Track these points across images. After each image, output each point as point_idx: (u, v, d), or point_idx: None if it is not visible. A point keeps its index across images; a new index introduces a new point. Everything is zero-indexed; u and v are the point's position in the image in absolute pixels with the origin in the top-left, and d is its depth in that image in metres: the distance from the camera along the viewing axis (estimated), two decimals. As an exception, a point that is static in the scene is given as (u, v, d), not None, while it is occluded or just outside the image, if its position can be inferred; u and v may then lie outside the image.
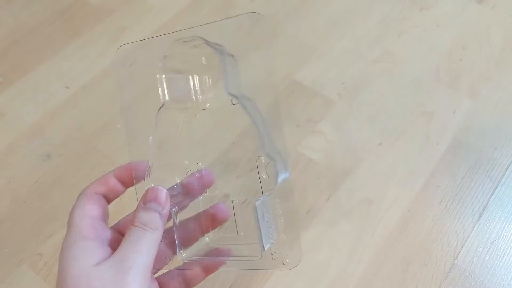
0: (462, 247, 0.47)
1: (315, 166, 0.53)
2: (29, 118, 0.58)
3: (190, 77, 0.33)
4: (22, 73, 0.62)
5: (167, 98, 0.33)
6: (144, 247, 0.28)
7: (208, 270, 0.34)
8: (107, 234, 0.31)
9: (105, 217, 0.32)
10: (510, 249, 0.47)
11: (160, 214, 0.30)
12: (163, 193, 0.31)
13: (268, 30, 0.31)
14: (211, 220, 0.35)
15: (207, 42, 0.31)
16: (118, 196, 0.34)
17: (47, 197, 0.51)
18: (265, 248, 0.31)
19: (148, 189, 0.31)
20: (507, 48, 0.62)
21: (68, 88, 0.60)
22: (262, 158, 0.31)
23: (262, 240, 0.30)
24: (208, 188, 0.35)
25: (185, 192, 0.35)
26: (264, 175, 0.31)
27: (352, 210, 0.50)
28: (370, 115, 0.57)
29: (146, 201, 0.30)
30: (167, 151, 0.34)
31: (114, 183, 0.33)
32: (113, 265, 0.27)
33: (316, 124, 0.56)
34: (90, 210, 0.31)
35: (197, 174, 0.35)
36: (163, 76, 0.33)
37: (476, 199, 0.50)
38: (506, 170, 0.52)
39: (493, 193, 0.51)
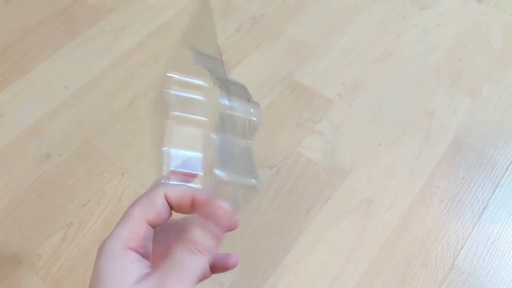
0: (462, 247, 0.47)
1: (315, 166, 0.53)
2: (28, 118, 0.58)
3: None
4: (21, 73, 0.62)
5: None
6: (189, 273, 0.25)
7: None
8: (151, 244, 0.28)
9: (159, 220, 0.28)
10: (510, 249, 0.47)
11: (216, 236, 0.25)
12: (227, 213, 0.26)
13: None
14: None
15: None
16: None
17: (46, 197, 0.51)
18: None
19: (209, 201, 0.26)
20: (507, 48, 0.62)
21: (67, 88, 0.60)
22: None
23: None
24: None
25: None
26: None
27: (352, 210, 0.50)
28: (370, 115, 0.57)
29: (205, 216, 0.26)
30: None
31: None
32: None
33: (316, 124, 0.56)
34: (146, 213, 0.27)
35: None
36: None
37: (476, 200, 0.50)
38: (506, 170, 0.52)
39: (493, 194, 0.50)
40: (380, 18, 0.66)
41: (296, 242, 0.48)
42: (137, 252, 0.26)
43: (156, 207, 0.27)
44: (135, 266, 0.25)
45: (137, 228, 0.27)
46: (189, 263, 0.25)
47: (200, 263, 0.25)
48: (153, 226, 0.28)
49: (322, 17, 0.67)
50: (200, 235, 0.25)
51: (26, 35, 0.66)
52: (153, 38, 0.65)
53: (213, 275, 0.35)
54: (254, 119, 0.30)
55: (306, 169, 0.52)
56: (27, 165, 0.54)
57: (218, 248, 0.26)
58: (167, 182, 0.29)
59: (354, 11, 0.67)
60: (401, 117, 0.56)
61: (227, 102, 0.29)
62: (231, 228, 0.26)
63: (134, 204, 0.27)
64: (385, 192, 0.51)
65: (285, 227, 0.49)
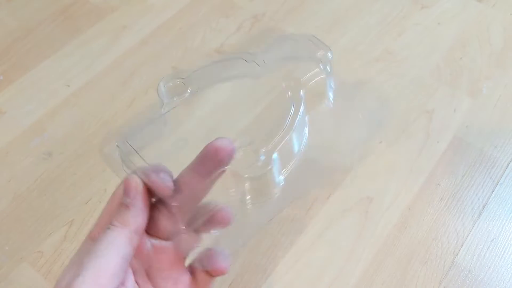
0: (462, 245, 0.47)
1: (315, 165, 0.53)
2: (30, 116, 0.58)
3: None
4: (23, 72, 0.62)
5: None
6: (111, 247, 0.26)
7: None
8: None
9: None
10: (510, 247, 0.47)
11: (128, 206, 0.27)
12: (132, 181, 0.28)
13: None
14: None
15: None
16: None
17: (48, 195, 0.51)
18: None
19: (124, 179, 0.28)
20: (507, 47, 0.63)
21: (68, 86, 0.60)
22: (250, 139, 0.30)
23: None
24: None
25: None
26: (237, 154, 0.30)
27: (352, 208, 0.50)
28: (370, 113, 0.57)
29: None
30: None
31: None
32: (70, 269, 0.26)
33: (317, 123, 0.56)
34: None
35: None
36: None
37: (476, 197, 0.50)
38: (506, 168, 0.52)
39: (493, 192, 0.51)
40: (380, 17, 0.66)
41: (297, 240, 0.48)
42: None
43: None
44: None
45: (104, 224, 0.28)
46: (109, 239, 0.26)
47: (120, 235, 0.26)
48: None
49: (322, 17, 0.67)
50: (116, 211, 0.27)
51: (28, 34, 0.66)
52: (154, 37, 0.65)
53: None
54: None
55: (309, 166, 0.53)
56: (29, 163, 0.54)
57: (138, 217, 0.27)
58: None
59: (355, 10, 0.67)
60: (401, 115, 0.57)
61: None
62: (136, 193, 0.27)
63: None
64: (386, 190, 0.51)
65: (286, 225, 0.49)
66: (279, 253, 0.47)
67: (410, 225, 0.49)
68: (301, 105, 0.31)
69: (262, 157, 0.30)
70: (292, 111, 0.31)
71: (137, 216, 0.27)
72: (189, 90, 0.30)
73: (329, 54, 0.34)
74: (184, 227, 0.29)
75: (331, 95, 0.33)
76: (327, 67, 0.34)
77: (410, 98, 0.58)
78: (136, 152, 0.28)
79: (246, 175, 0.30)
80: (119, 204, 0.28)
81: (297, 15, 0.67)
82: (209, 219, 0.30)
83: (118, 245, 0.26)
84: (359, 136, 0.34)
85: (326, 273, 0.46)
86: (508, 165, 0.52)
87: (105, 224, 0.28)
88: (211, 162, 0.28)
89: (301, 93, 0.32)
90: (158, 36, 0.65)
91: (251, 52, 0.33)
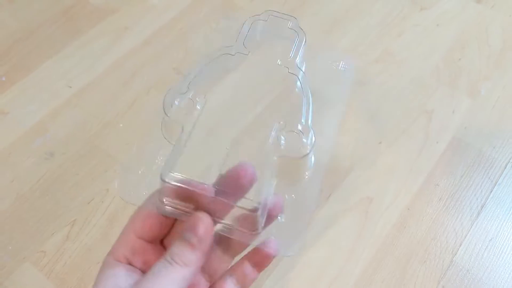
0: (461, 244, 0.48)
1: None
2: (32, 117, 0.58)
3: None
4: (25, 73, 0.62)
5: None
6: (163, 285, 0.24)
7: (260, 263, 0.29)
8: (146, 257, 0.27)
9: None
10: (508, 246, 0.48)
11: (194, 247, 0.25)
12: (204, 222, 0.25)
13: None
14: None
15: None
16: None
17: (50, 195, 0.52)
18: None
19: (191, 215, 0.26)
20: (506, 48, 0.63)
21: (70, 87, 0.61)
22: (283, 123, 0.29)
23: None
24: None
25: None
26: (282, 140, 0.28)
27: (352, 208, 0.50)
28: (370, 114, 0.58)
29: (184, 229, 0.25)
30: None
31: None
32: None
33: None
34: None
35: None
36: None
37: (474, 198, 0.51)
38: (504, 168, 0.53)
39: (491, 192, 0.51)
40: (380, 18, 0.67)
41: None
42: (129, 264, 0.27)
43: (143, 220, 0.27)
44: (120, 278, 0.25)
45: (124, 242, 0.27)
46: (166, 272, 0.24)
47: (177, 275, 0.24)
48: (148, 240, 0.27)
49: (322, 18, 0.67)
50: (177, 246, 0.25)
51: (29, 35, 0.66)
52: (155, 38, 0.65)
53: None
54: None
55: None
56: (31, 163, 0.54)
57: (200, 260, 0.25)
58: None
59: (355, 11, 0.68)
60: (401, 116, 0.57)
61: None
62: (206, 235, 0.25)
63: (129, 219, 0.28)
64: (385, 190, 0.51)
65: (286, 224, 0.49)
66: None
67: (409, 225, 0.49)
68: (302, 76, 0.31)
69: (304, 136, 0.29)
70: (299, 83, 0.31)
71: (201, 258, 0.25)
72: (198, 107, 0.29)
73: (296, 22, 0.34)
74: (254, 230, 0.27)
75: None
76: (301, 35, 0.34)
77: (409, 99, 0.59)
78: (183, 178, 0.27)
79: (298, 156, 0.29)
80: (181, 239, 0.25)
81: (297, 16, 0.67)
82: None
83: (176, 284, 0.24)
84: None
85: (326, 273, 0.47)
86: (506, 165, 0.53)
87: (130, 243, 0.27)
88: (232, 188, 0.26)
89: (297, 63, 0.32)
90: (159, 37, 0.66)
91: (228, 46, 0.33)
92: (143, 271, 0.27)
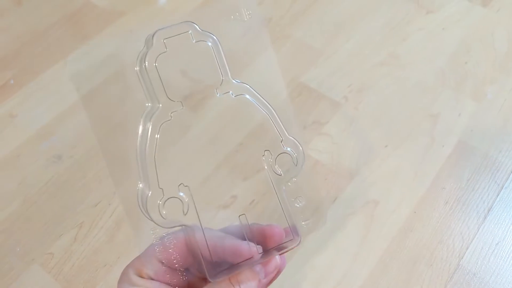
0: (467, 248, 0.48)
1: (322, 168, 0.53)
2: (40, 120, 0.59)
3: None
4: (33, 76, 0.63)
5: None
6: None
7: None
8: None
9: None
10: (515, 250, 0.48)
11: (260, 282, 0.26)
12: (277, 262, 0.26)
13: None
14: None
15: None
16: None
17: (58, 198, 0.52)
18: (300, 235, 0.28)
19: (241, 266, 0.26)
20: (511, 51, 0.63)
21: (77, 90, 0.61)
22: (269, 152, 0.28)
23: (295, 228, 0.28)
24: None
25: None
26: (278, 171, 0.28)
27: (358, 211, 0.50)
28: (376, 117, 0.58)
29: (236, 280, 0.26)
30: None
31: None
32: None
33: (323, 126, 0.57)
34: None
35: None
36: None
37: (481, 201, 0.51)
38: (511, 173, 0.53)
39: (497, 195, 0.51)
40: (385, 22, 0.67)
41: (303, 242, 0.49)
42: (151, 279, 0.27)
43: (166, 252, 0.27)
44: None
45: (147, 262, 0.27)
46: None
47: None
48: (169, 265, 0.27)
49: (328, 21, 0.67)
50: (247, 276, 0.25)
51: (37, 39, 0.67)
52: (162, 41, 0.66)
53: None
54: None
55: (313, 170, 0.53)
56: (39, 166, 0.55)
57: None
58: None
59: (360, 15, 0.68)
60: (406, 119, 0.57)
61: None
62: (273, 274, 0.27)
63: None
64: (391, 193, 0.52)
65: (292, 227, 0.49)
66: (286, 256, 0.48)
67: (415, 228, 0.49)
68: (247, 88, 0.28)
69: (292, 150, 0.28)
70: (249, 97, 0.28)
71: None
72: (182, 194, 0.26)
73: (195, 27, 0.29)
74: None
75: None
76: (215, 43, 0.30)
77: (415, 102, 0.59)
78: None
79: (294, 179, 0.29)
80: (251, 271, 0.26)
81: (302, 20, 0.68)
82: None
83: None
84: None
85: (332, 276, 0.47)
86: (512, 169, 0.53)
87: (155, 262, 0.27)
88: (260, 244, 0.27)
89: (230, 77, 0.28)
90: (165, 41, 0.66)
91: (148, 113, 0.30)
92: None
